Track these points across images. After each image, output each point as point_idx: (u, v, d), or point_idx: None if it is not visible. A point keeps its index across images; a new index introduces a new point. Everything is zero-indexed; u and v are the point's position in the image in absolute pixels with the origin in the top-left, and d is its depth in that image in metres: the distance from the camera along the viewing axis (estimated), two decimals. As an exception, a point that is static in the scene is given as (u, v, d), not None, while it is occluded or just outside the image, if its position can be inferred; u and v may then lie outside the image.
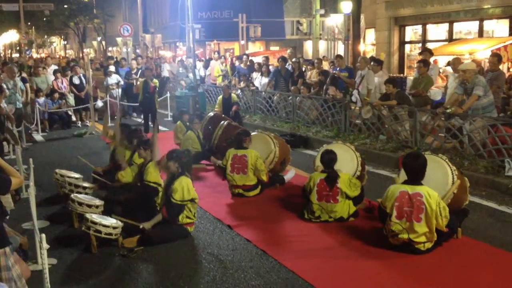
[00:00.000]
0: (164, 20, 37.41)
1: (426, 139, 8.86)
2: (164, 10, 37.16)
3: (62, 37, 68.66)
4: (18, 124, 10.31)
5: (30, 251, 4.86)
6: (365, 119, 9.98)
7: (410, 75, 14.35)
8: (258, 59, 17.95)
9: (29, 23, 49.53)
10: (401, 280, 4.52)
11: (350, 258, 4.98)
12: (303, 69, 14.15)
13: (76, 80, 14.12)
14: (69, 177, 6.74)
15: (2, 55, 53.45)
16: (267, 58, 16.23)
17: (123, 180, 6.73)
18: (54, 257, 5.04)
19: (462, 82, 8.18)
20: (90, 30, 55.62)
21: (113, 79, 14.67)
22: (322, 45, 26.03)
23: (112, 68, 15.33)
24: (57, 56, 49.21)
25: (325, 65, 16.56)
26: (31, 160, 6.47)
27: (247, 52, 22.47)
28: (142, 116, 12.97)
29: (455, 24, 16.88)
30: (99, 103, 14.60)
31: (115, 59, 20.20)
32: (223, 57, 20.17)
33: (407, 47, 19.12)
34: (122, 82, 14.70)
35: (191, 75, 15.30)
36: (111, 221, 5.27)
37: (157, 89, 12.55)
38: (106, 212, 5.77)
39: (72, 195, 5.91)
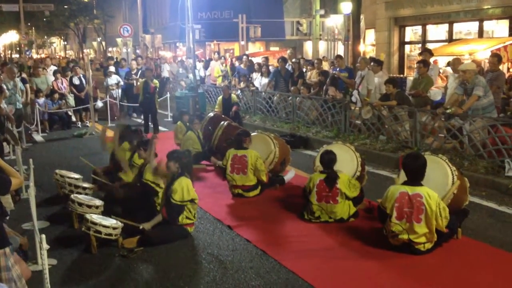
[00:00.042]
0: (164, 20, 37.37)
1: (426, 140, 8.86)
2: (164, 10, 37.12)
3: (62, 37, 68.62)
4: (18, 124, 10.31)
5: (30, 251, 4.85)
6: (365, 120, 9.98)
7: (410, 76, 14.36)
8: (258, 60, 17.93)
9: (29, 24, 49.47)
10: (401, 281, 4.52)
11: (350, 259, 4.98)
12: (303, 69, 14.15)
13: (76, 81, 14.15)
14: (69, 177, 6.74)
15: (2, 55, 53.37)
16: (267, 59, 16.24)
17: (126, 179, 6.74)
18: (54, 257, 5.04)
19: (462, 82, 8.18)
20: (90, 30, 55.57)
21: (113, 79, 14.69)
22: (322, 46, 26.03)
23: (112, 68, 15.34)
24: (57, 57, 49.13)
25: (325, 66, 16.57)
26: (31, 160, 6.46)
27: (247, 52, 22.41)
28: (142, 117, 12.97)
29: (455, 25, 16.86)
30: (99, 104, 14.60)
31: (115, 60, 20.18)
32: (223, 58, 20.14)
33: (407, 47, 19.09)
34: (122, 83, 14.72)
35: (191, 75, 15.30)
36: (111, 221, 5.27)
37: (157, 89, 12.55)
38: (106, 212, 5.77)
39: (72, 196, 5.92)
